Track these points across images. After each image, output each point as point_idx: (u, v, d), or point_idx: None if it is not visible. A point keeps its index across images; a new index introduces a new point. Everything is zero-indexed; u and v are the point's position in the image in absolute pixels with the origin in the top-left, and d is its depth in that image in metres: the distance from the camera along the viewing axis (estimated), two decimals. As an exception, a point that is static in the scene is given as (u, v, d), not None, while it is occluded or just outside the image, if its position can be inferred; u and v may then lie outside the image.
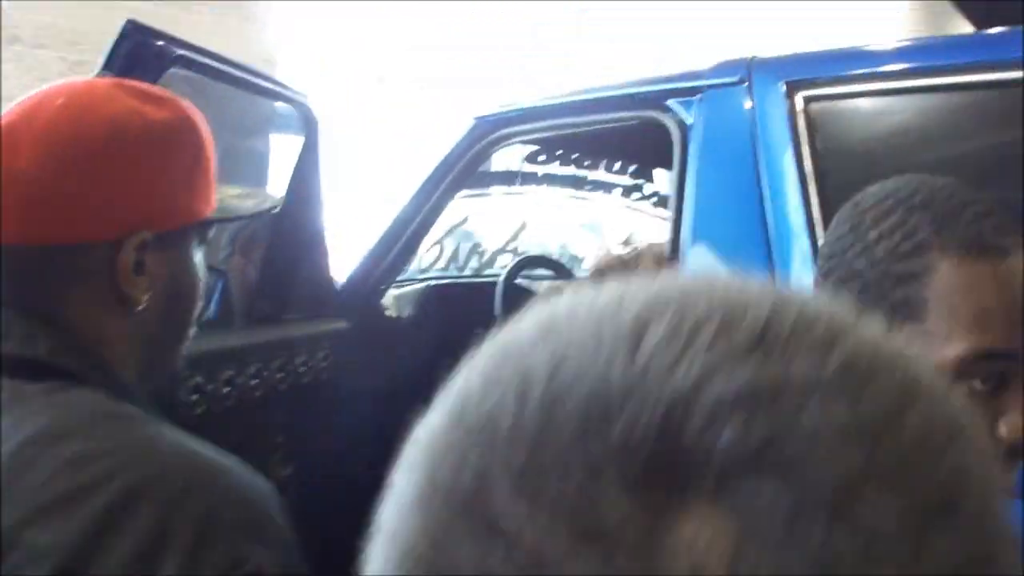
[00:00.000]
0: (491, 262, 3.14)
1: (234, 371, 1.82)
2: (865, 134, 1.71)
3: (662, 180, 3.13)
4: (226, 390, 1.78)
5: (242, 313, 2.15)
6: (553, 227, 4.03)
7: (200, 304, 0.94)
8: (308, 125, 2.12)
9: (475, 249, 3.09)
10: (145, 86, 0.92)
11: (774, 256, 1.68)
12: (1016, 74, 1.47)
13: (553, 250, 3.42)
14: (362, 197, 4.52)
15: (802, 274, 1.64)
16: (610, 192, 3.06)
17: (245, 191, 1.14)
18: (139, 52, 1.53)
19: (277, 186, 2.19)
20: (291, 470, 2.10)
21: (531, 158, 2.86)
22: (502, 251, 3.20)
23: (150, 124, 0.85)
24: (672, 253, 1.82)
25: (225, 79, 1.78)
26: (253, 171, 2.26)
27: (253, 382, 1.88)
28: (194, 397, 1.68)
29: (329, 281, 2.43)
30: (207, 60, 1.69)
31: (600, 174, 2.97)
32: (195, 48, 1.67)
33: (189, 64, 1.64)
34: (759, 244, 1.69)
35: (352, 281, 2.45)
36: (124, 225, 0.82)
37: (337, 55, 5.11)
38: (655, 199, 3.11)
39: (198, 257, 0.92)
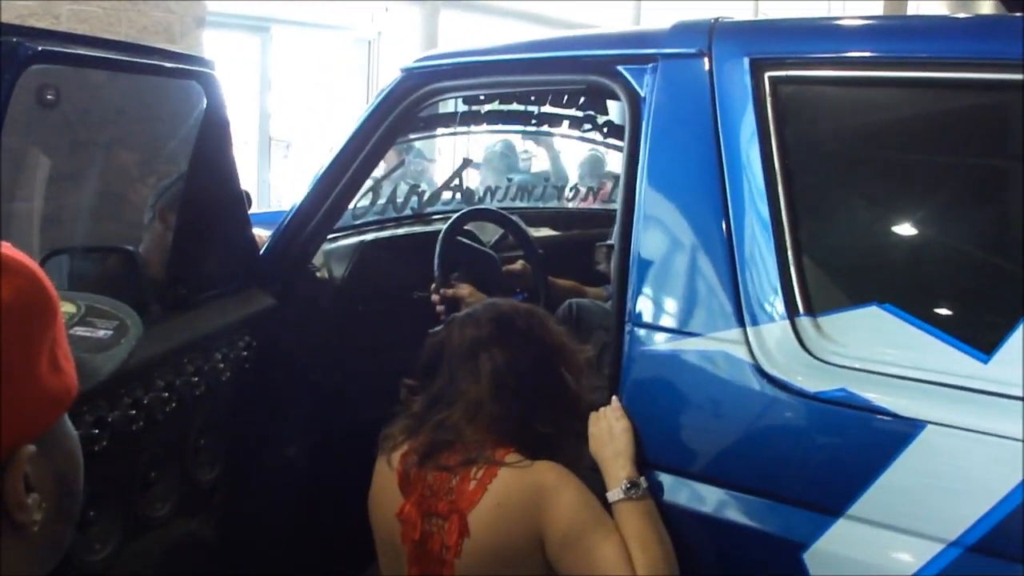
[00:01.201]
0: (432, 201, 2.91)
1: (141, 391, 1.64)
2: (842, 124, 1.51)
3: (614, 109, 2.90)
4: (132, 413, 1.61)
5: (156, 300, 1.93)
6: (495, 166, 3.80)
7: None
8: (212, 92, 1.87)
9: (414, 190, 2.85)
10: None
11: (736, 256, 1.51)
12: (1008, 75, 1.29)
13: (499, 187, 3.20)
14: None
15: (762, 278, 1.48)
16: (559, 125, 2.83)
17: (90, 313, 0.92)
18: None
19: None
20: (218, 472, 1.95)
21: (469, 98, 2.60)
22: (445, 188, 2.97)
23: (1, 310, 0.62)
24: (622, 241, 1.64)
25: (104, 66, 1.54)
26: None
27: (165, 395, 1.71)
28: (95, 431, 1.50)
29: (251, 248, 2.22)
30: (78, 50, 1.45)
31: (547, 108, 2.73)
32: (63, 37, 1.43)
33: (55, 58, 1.40)
34: (719, 242, 1.52)
35: (277, 244, 2.24)
36: (2, 451, 0.63)
37: None
38: (607, 129, 2.89)
39: (68, 423, 0.72)
